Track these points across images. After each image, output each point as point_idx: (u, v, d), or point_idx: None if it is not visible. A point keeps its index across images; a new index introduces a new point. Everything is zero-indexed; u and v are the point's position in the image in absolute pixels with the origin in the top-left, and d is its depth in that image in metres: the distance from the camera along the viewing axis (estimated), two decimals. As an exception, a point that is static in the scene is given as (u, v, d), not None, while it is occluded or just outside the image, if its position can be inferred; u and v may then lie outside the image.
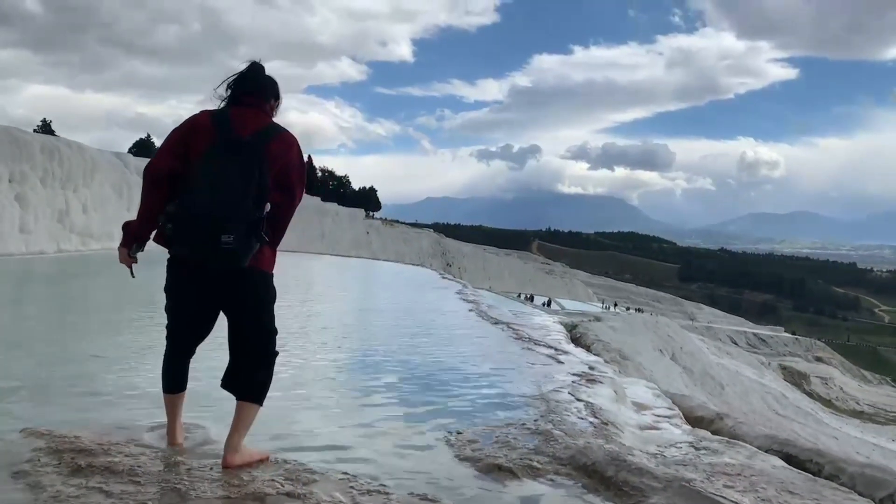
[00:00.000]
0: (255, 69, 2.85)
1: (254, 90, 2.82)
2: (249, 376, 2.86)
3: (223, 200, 2.57)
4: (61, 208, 19.62)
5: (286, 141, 2.78)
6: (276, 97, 2.92)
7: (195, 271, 2.74)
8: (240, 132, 2.69)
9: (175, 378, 2.97)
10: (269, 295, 2.88)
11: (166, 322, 2.98)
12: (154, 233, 2.82)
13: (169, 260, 2.83)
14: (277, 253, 2.92)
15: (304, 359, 5.68)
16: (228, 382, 2.91)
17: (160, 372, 3.02)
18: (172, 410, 3.04)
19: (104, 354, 5.28)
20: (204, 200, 2.58)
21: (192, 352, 3.01)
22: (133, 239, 2.85)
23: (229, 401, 2.91)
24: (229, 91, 2.83)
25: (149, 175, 2.74)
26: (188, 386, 3.02)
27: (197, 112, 2.81)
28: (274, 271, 2.90)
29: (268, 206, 2.71)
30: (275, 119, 2.92)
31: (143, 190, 2.78)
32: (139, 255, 2.94)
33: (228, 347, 2.90)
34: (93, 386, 4.25)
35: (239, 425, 2.84)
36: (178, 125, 2.81)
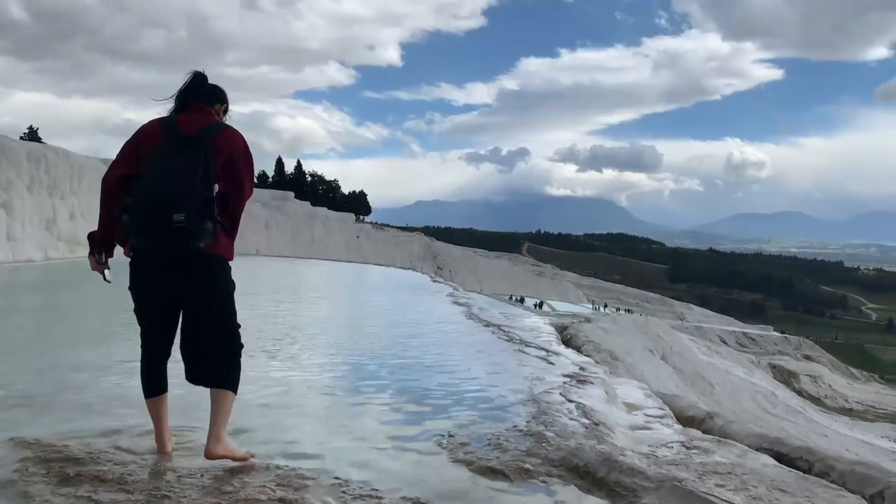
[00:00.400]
0: (198, 78, 3.04)
1: (196, 96, 3.00)
2: (219, 365, 2.91)
3: (171, 183, 2.70)
4: (48, 216, 19.48)
5: (230, 135, 2.93)
6: (222, 102, 3.10)
7: (153, 264, 2.82)
8: (186, 131, 2.85)
9: (152, 380, 2.99)
10: (227, 280, 2.95)
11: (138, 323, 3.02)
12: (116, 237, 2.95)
13: (130, 260, 2.92)
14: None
15: (294, 363, 5.66)
16: (195, 375, 2.94)
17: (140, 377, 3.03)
18: (157, 416, 3.03)
19: (92, 363, 5.24)
20: (154, 186, 2.71)
21: (167, 352, 3.01)
22: (98, 245, 2.99)
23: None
24: (176, 101, 3.00)
25: (104, 186, 2.92)
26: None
27: (151, 120, 2.99)
28: (232, 262, 2.97)
29: (216, 188, 2.82)
30: (225, 119, 3.11)
31: (100, 201, 2.94)
32: (113, 260, 3.05)
33: (187, 342, 2.92)
34: (81, 394, 4.22)
35: (217, 416, 2.88)
36: (130, 137, 2.95)
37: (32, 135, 53.21)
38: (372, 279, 22.99)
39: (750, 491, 2.94)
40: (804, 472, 3.61)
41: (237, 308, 3.00)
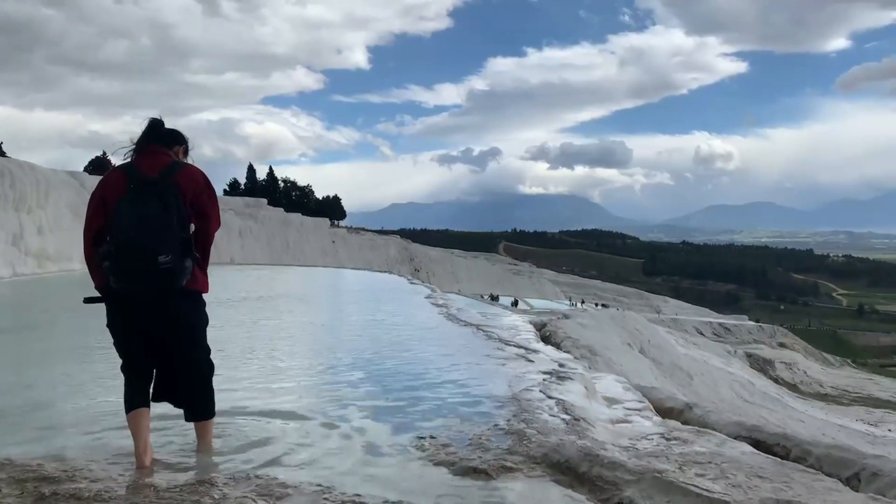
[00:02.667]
0: (155, 124, 3.18)
1: (155, 141, 3.14)
2: (196, 397, 3.17)
3: (151, 227, 2.86)
4: (15, 231, 19.10)
5: (190, 173, 3.09)
6: (180, 143, 3.24)
7: (132, 304, 2.95)
8: (148, 173, 2.99)
9: (134, 397, 3.09)
10: (202, 313, 3.17)
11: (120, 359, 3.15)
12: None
13: (107, 301, 3.02)
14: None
15: (271, 371, 5.61)
16: (162, 396, 3.17)
17: (122, 396, 3.11)
18: (137, 429, 3.07)
19: (64, 380, 5.15)
20: (132, 231, 2.85)
21: (150, 375, 3.15)
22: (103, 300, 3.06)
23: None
24: (136, 146, 3.14)
25: (85, 248, 3.07)
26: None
27: (112, 168, 3.17)
28: (206, 294, 3.19)
29: (192, 227, 3.03)
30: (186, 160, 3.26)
31: (86, 259, 3.08)
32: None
33: (160, 370, 3.13)
34: (54, 412, 4.14)
35: (204, 440, 3.25)
36: (94, 189, 3.10)
37: (-4, 149, 52.06)
38: (349, 283, 22.88)
39: (729, 479, 2.97)
40: (782, 458, 3.66)
41: (212, 321, 3.18)
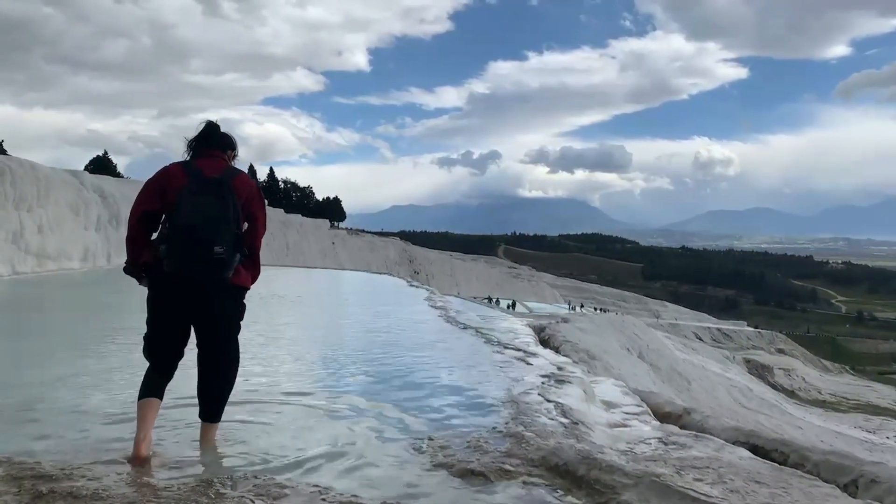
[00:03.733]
0: (212, 128, 3.40)
1: (213, 145, 3.37)
2: (217, 398, 3.35)
3: (210, 218, 3.09)
4: (15, 230, 19.06)
5: (245, 179, 3.34)
6: (232, 148, 3.45)
7: (178, 288, 3.15)
8: (207, 174, 3.21)
9: (151, 385, 3.21)
10: (240, 307, 3.36)
11: (144, 336, 3.28)
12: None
13: (151, 279, 3.22)
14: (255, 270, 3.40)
15: (271, 371, 5.60)
16: (199, 395, 3.36)
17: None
18: (143, 419, 3.14)
19: (61, 378, 5.14)
20: (193, 220, 3.07)
21: (172, 365, 3.28)
22: (139, 275, 3.27)
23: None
24: (192, 147, 3.36)
25: (130, 223, 3.24)
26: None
27: (170, 164, 3.33)
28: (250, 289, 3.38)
29: (245, 225, 3.25)
30: (234, 163, 3.47)
31: (127, 236, 3.25)
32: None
33: (198, 363, 3.32)
34: (51, 410, 4.13)
35: (208, 439, 3.35)
36: (151, 177, 3.28)
37: (-3, 147, 52.08)
38: (348, 285, 22.89)
39: (727, 484, 2.98)
40: (779, 464, 3.66)
41: None
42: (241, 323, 3.40)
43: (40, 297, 13.96)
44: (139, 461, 3.05)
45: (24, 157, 22.99)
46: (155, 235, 3.22)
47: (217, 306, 3.23)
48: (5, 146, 54.12)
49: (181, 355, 3.29)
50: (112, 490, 2.67)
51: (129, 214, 3.29)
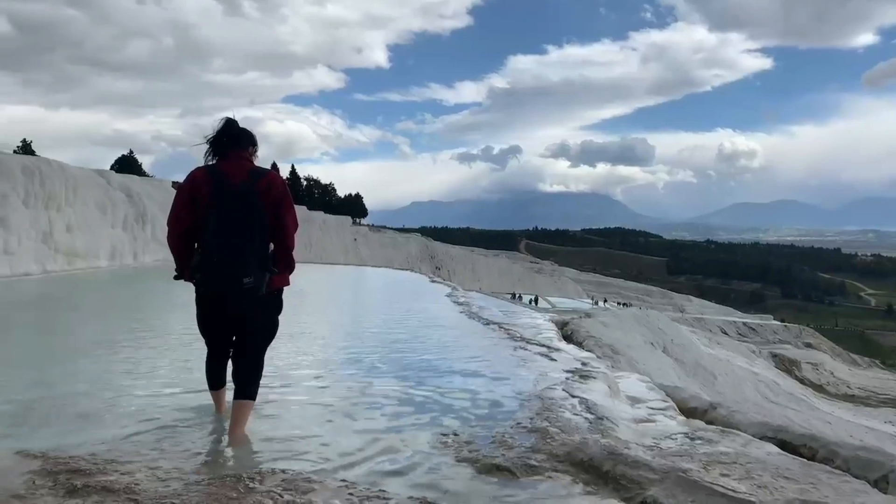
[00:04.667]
0: (230, 125, 3.42)
1: (233, 144, 3.40)
2: (249, 378, 3.48)
3: (235, 245, 3.23)
4: (45, 229, 19.39)
5: (269, 178, 3.39)
6: (253, 144, 3.51)
7: (217, 301, 3.41)
8: (232, 181, 3.28)
9: (212, 378, 3.72)
10: (277, 309, 3.61)
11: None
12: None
13: (196, 290, 3.49)
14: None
15: (296, 367, 5.66)
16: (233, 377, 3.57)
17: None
18: (217, 401, 3.79)
19: (92, 374, 5.24)
20: (220, 250, 3.23)
21: (226, 358, 3.64)
22: (186, 278, 3.50)
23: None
24: (211, 147, 3.40)
25: (170, 243, 3.48)
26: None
27: (193, 170, 3.46)
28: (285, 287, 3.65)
29: (271, 247, 3.39)
30: (255, 159, 3.56)
31: (171, 250, 3.49)
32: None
33: (233, 349, 3.58)
34: (85, 406, 4.21)
35: (240, 418, 3.45)
36: (181, 185, 3.43)
37: (26, 148, 53.05)
38: (370, 281, 22.99)
39: (755, 479, 2.95)
40: (808, 459, 3.62)
41: None
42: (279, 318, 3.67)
43: (70, 295, 14.22)
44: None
45: (52, 158, 23.39)
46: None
47: (250, 315, 3.44)
48: (33, 147, 55.10)
49: (229, 341, 3.59)
50: (144, 484, 2.72)
51: (166, 224, 3.49)
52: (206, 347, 3.73)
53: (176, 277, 3.53)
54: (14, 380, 4.99)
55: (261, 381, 3.59)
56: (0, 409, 4.08)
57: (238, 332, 3.52)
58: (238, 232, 3.22)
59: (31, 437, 3.47)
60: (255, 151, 3.54)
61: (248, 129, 3.51)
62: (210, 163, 3.43)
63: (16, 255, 17.76)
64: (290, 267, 3.53)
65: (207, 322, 3.55)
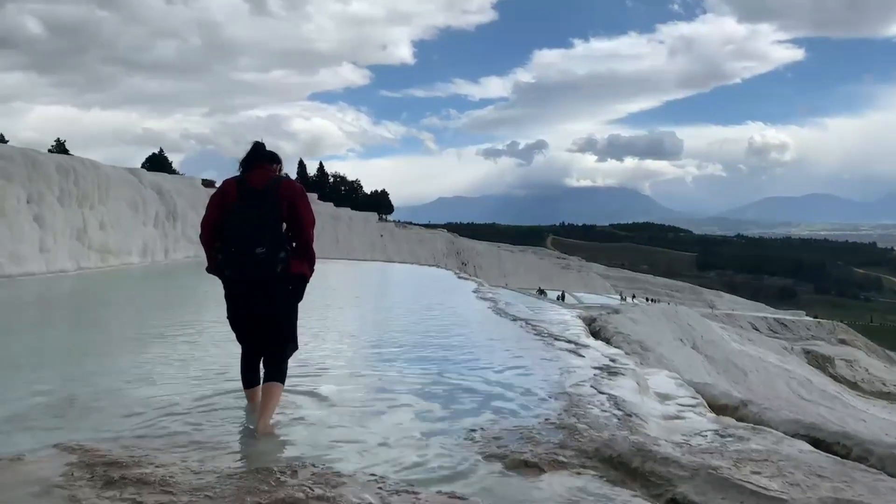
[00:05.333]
0: (257, 146, 3.89)
1: (259, 161, 3.85)
2: (276, 365, 3.75)
3: (252, 225, 3.60)
4: (79, 226, 19.80)
5: (289, 184, 3.82)
6: (277, 162, 3.94)
7: (242, 287, 3.69)
8: (255, 186, 3.72)
9: (246, 376, 3.97)
10: (298, 294, 3.83)
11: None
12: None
13: (224, 285, 3.80)
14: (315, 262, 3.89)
15: (325, 361, 5.71)
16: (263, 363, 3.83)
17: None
18: (252, 399, 3.96)
19: (129, 369, 5.35)
20: (239, 229, 3.61)
21: (257, 352, 3.86)
22: (215, 272, 3.84)
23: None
24: (241, 165, 3.85)
25: (202, 241, 3.83)
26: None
27: (227, 179, 3.90)
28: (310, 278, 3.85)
29: (284, 226, 3.68)
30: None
31: (203, 243, 3.84)
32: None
33: (263, 344, 3.81)
34: (121, 400, 4.31)
35: (269, 403, 3.65)
36: (214, 192, 3.84)
37: (60, 147, 54.18)
38: (397, 277, 23.09)
39: (787, 477, 2.92)
40: (842, 458, 3.57)
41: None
42: (299, 306, 3.88)
43: (104, 291, 14.51)
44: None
45: (84, 157, 23.86)
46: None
47: (271, 295, 3.69)
48: (67, 146, 56.24)
49: (257, 340, 3.81)
50: (178, 477, 2.78)
51: (199, 224, 3.86)
52: (239, 345, 3.95)
53: (207, 270, 3.86)
54: (53, 374, 5.12)
55: (288, 374, 3.79)
56: (39, 402, 4.20)
57: (263, 319, 3.75)
58: (254, 217, 3.62)
59: (70, 430, 3.57)
60: (280, 169, 3.95)
61: (274, 150, 3.95)
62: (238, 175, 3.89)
63: (51, 252, 18.16)
64: (309, 258, 3.79)
65: (236, 316, 3.83)
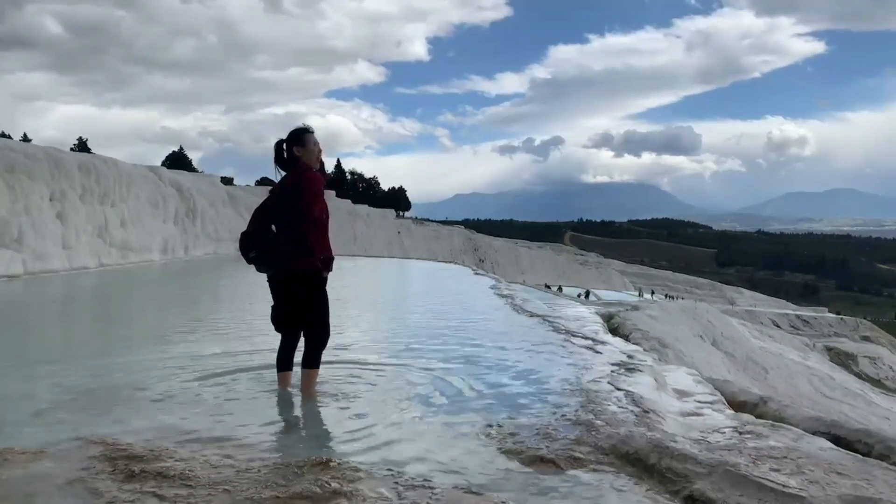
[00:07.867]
0: (277, 144, 4.22)
1: (282, 160, 4.22)
2: (310, 353, 4.25)
3: (253, 230, 4.20)
4: (101, 224, 20.07)
5: (295, 175, 4.15)
6: (297, 144, 4.17)
7: (272, 283, 4.25)
8: (282, 188, 4.20)
9: (280, 360, 4.37)
10: (314, 286, 4.16)
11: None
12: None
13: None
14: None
15: (342, 357, 5.74)
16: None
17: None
18: (283, 382, 4.37)
19: (150, 364, 5.42)
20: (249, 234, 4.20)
21: (293, 344, 4.34)
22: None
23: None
24: (278, 165, 4.27)
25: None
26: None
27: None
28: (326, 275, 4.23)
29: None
30: (307, 153, 4.23)
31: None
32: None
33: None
34: (142, 395, 4.37)
35: (308, 384, 4.25)
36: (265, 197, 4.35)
37: (82, 146, 54.88)
38: (415, 273, 23.13)
39: (806, 475, 2.89)
40: (863, 455, 3.52)
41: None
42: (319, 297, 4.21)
43: (125, 288, 14.69)
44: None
45: (105, 155, 24.14)
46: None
47: (294, 291, 4.16)
48: (88, 144, 56.95)
49: (292, 327, 4.28)
50: (198, 471, 2.82)
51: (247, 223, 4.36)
52: (271, 338, 4.56)
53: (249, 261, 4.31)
54: (76, 368, 5.20)
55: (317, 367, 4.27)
56: (62, 396, 4.27)
57: (294, 307, 4.20)
58: (260, 223, 4.20)
59: (92, 423, 3.62)
60: (300, 150, 4.17)
61: (284, 139, 4.20)
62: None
63: (73, 249, 18.42)
64: (307, 250, 4.05)
65: (274, 302, 4.30)
